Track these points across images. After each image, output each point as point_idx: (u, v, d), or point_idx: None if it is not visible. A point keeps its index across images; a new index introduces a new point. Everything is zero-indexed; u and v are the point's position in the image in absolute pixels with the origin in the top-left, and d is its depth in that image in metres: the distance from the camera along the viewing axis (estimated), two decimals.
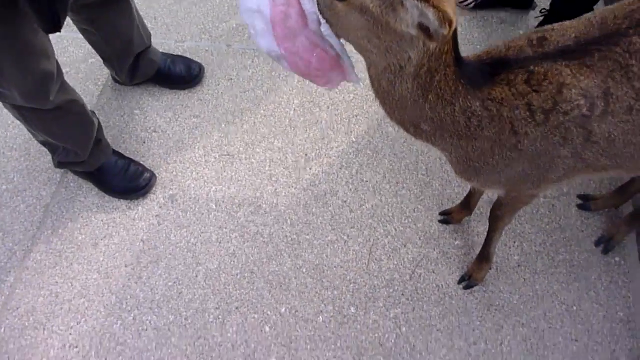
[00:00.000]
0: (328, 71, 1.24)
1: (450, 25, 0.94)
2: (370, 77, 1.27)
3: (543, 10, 2.73)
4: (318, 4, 1.12)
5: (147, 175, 2.40)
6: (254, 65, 2.76)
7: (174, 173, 2.47)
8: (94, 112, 2.32)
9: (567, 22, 1.33)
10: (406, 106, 1.25)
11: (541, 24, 2.66)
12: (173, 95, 2.69)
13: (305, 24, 1.15)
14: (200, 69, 2.69)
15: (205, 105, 2.66)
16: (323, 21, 1.13)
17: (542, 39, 1.29)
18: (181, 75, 2.65)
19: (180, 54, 2.81)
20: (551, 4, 2.65)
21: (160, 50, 2.68)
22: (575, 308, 2.07)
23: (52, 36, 1.83)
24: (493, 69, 1.25)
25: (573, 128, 1.26)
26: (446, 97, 1.21)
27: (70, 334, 2.14)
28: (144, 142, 2.57)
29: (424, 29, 0.99)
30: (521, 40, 1.31)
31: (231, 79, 2.73)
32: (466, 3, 2.85)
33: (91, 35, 2.37)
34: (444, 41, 1.06)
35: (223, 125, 2.59)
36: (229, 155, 2.50)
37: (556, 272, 2.13)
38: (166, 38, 2.92)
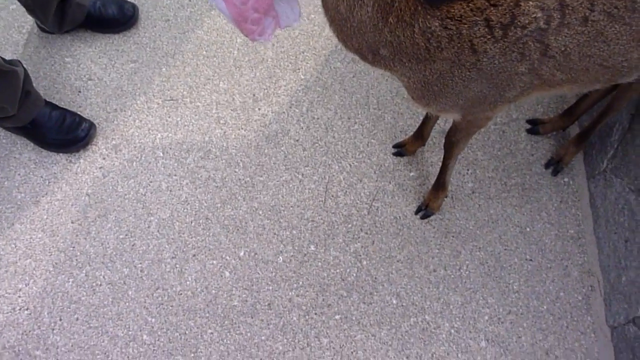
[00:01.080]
0: (264, 13, 1.16)
1: None
2: (325, 4, 1.21)
3: None
4: None
5: (85, 125, 2.26)
6: (192, 3, 2.61)
7: (115, 122, 2.34)
8: (19, 61, 2.14)
9: None
10: (365, 31, 1.21)
11: None
12: (107, 40, 2.52)
13: None
14: (134, 8, 2.52)
15: (142, 48, 2.51)
16: None
17: None
18: (114, 18, 2.48)
19: None
20: None
21: None
22: (528, 229, 2.12)
23: None
24: None
25: (530, 42, 1.24)
26: (405, 18, 1.17)
27: (19, 296, 2.04)
28: (79, 92, 2.41)
29: None
30: None
31: (168, 20, 2.57)
32: None
33: None
34: None
35: (163, 69, 2.46)
36: (172, 99, 2.38)
37: (509, 196, 2.17)
38: None
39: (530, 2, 1.18)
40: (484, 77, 1.30)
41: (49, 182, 2.23)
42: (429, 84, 1.35)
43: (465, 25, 1.20)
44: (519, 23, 1.20)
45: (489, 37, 1.22)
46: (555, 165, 2.20)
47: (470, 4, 1.19)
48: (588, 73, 1.35)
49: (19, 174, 2.25)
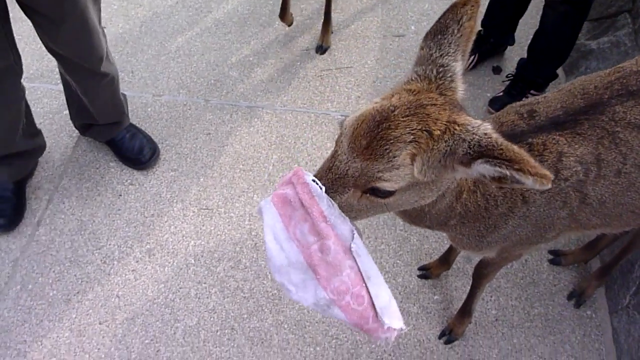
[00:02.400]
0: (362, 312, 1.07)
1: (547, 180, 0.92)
2: (398, 214, 1.32)
3: (509, 75, 2.90)
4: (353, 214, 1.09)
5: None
6: (232, 120, 2.80)
7: (151, 227, 2.44)
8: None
9: (549, 94, 1.44)
10: (440, 214, 1.31)
11: (507, 87, 2.82)
12: None
13: (347, 251, 1.05)
14: (153, 154, 2.62)
15: (183, 159, 2.66)
16: (356, 237, 1.06)
17: (531, 112, 1.38)
18: (131, 155, 2.61)
19: (157, 107, 2.83)
20: (517, 69, 2.82)
21: (139, 105, 2.69)
22: None
23: (26, 83, 1.82)
24: None
25: (571, 192, 1.35)
26: (471, 187, 1.29)
27: None
28: (120, 195, 2.53)
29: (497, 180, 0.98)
30: (510, 115, 1.40)
31: (209, 134, 2.75)
32: (468, 63, 2.99)
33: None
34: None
35: (201, 179, 2.59)
36: (207, 209, 2.49)
37: (532, 326, 2.19)
38: (143, 92, 2.93)
39: (571, 158, 1.30)
40: (530, 222, 1.39)
41: (81, 282, 2.29)
42: (483, 237, 1.44)
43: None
44: (561, 176, 1.31)
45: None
46: (578, 297, 2.23)
47: None
48: (620, 219, 1.44)
49: (53, 271, 2.31)
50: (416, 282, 2.29)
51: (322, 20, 3.08)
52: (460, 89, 1.07)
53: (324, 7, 3.02)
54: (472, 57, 2.96)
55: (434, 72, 1.05)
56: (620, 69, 1.40)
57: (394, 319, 1.08)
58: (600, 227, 1.50)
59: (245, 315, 2.20)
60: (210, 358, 2.10)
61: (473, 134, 0.96)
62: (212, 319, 2.20)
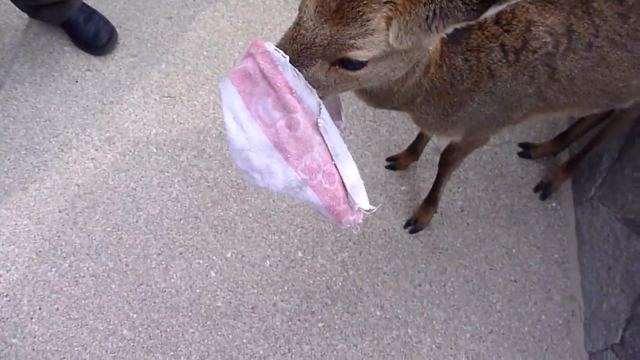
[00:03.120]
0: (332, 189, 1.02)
1: None
2: (362, 90, 1.22)
3: None
4: (320, 87, 0.99)
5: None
6: (196, 3, 2.62)
7: (110, 114, 2.33)
8: None
9: None
10: (407, 91, 1.23)
11: None
12: None
13: (314, 126, 0.97)
14: (111, 37, 2.45)
15: (143, 44, 2.51)
16: (323, 112, 0.97)
17: None
18: (88, 38, 2.42)
19: None
20: None
21: None
22: (514, 250, 2.14)
23: None
24: None
25: (539, 66, 1.27)
26: (438, 61, 1.20)
27: (0, 282, 2.01)
28: (77, 81, 2.39)
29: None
30: None
31: (171, 17, 2.58)
32: None
33: None
34: None
35: (163, 66, 2.45)
36: (170, 96, 2.38)
37: (497, 217, 2.20)
38: None
39: (541, 27, 1.21)
40: (496, 100, 1.32)
41: (38, 170, 2.21)
42: (448, 116, 1.37)
43: (483, 53, 1.23)
44: (530, 47, 1.23)
45: (504, 61, 1.24)
46: (544, 189, 2.23)
47: (485, 32, 1.22)
48: (589, 97, 1.38)
49: (8, 159, 2.22)
50: (384, 173, 2.25)
51: None
52: None
53: None
54: None
55: None
56: None
57: (362, 199, 1.03)
58: (568, 107, 1.44)
59: (210, 204, 2.16)
60: (173, 245, 2.08)
61: None
62: (175, 207, 2.16)
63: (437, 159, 2.22)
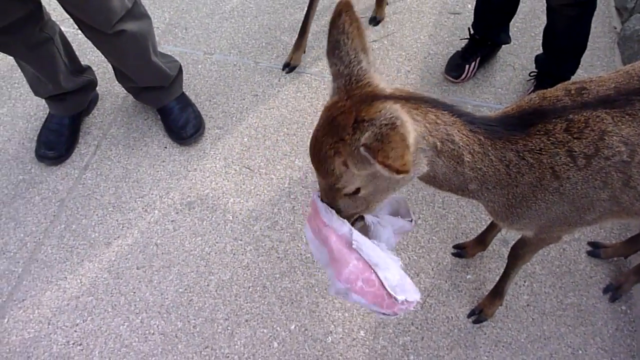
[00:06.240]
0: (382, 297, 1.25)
1: (399, 172, 1.00)
2: (419, 178, 1.34)
3: (532, 73, 2.79)
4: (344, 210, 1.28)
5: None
6: (280, 84, 2.81)
7: (193, 181, 2.49)
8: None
9: (605, 74, 1.39)
10: (450, 178, 1.30)
11: (536, 86, 2.70)
12: (198, 105, 2.71)
13: (351, 248, 1.24)
14: (197, 130, 2.60)
15: (228, 117, 2.69)
16: (355, 235, 1.24)
17: (580, 89, 1.33)
18: (174, 127, 2.60)
19: (208, 65, 2.86)
20: (538, 67, 2.72)
21: (189, 61, 2.70)
22: (580, 352, 2.09)
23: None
24: (525, 120, 1.29)
25: (613, 172, 1.30)
26: (477, 149, 1.25)
27: (75, 331, 2.12)
28: (166, 147, 2.58)
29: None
30: (557, 91, 1.35)
31: (256, 95, 2.77)
32: (462, 78, 2.86)
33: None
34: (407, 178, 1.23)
35: (245, 139, 2.62)
36: (249, 168, 2.52)
37: (564, 315, 2.17)
38: (195, 49, 2.96)
39: (615, 137, 1.25)
40: (566, 200, 1.36)
41: (122, 227, 2.36)
42: (513, 207, 1.40)
43: (546, 155, 1.27)
44: (602, 154, 1.26)
45: (572, 165, 1.28)
46: (614, 291, 2.19)
47: (551, 137, 1.26)
48: None
49: (96, 215, 2.39)
50: (450, 260, 2.28)
51: None
52: (374, 78, 1.16)
53: None
54: (473, 64, 2.85)
55: (344, 82, 1.15)
56: None
57: (409, 292, 1.25)
58: None
59: (278, 275, 2.24)
60: (240, 312, 2.15)
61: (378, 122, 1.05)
62: (245, 275, 2.24)
63: (505, 250, 2.25)
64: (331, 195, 1.24)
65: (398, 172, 1.00)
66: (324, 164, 1.14)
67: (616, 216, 1.47)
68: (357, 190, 1.19)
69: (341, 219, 1.26)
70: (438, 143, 1.19)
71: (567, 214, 1.40)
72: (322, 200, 1.28)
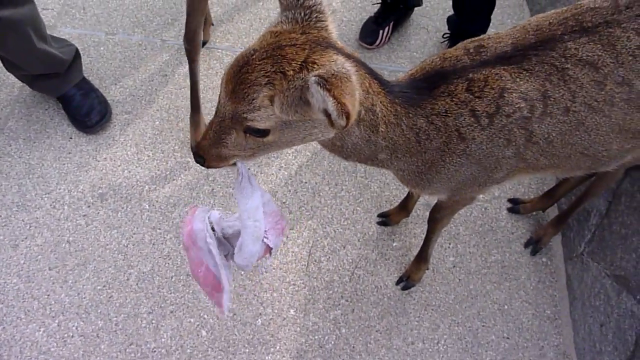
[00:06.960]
0: (210, 290, 1.35)
1: (348, 118, 0.99)
2: (321, 143, 1.30)
3: (445, 34, 2.80)
4: (239, 153, 1.18)
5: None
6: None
7: (104, 171, 2.35)
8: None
9: (503, 31, 1.38)
10: (361, 147, 1.27)
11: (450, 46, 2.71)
12: (103, 90, 2.55)
13: (194, 241, 1.27)
14: (102, 117, 2.44)
15: (137, 101, 2.55)
16: (209, 232, 1.25)
17: (479, 47, 1.32)
18: (77, 115, 2.43)
19: (110, 47, 2.69)
20: (450, 27, 2.73)
21: (90, 43, 2.52)
22: (506, 307, 2.14)
23: None
24: (430, 83, 1.28)
25: (515, 129, 1.30)
26: (392, 120, 1.24)
27: None
28: (71, 138, 2.42)
29: (327, 115, 1.03)
30: (457, 50, 1.34)
31: (166, 75, 2.63)
32: (377, 44, 2.81)
33: None
34: (342, 130, 1.13)
35: (157, 123, 2.49)
36: (163, 153, 2.40)
37: (489, 272, 2.21)
38: (95, 29, 2.78)
39: (514, 94, 1.25)
40: (473, 161, 1.35)
41: (29, 227, 2.21)
42: (423, 173, 1.40)
43: (451, 117, 1.27)
44: (503, 112, 1.27)
45: (476, 125, 1.28)
46: (534, 245, 2.25)
47: (454, 98, 1.26)
48: (570, 160, 1.41)
49: (0, 216, 2.22)
50: (375, 229, 2.27)
51: None
52: (331, 26, 1.12)
53: None
54: (387, 28, 2.82)
55: (301, 14, 1.09)
56: (578, 5, 1.34)
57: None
58: (550, 168, 1.46)
59: None
60: (164, 304, 2.07)
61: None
62: (166, 265, 2.15)
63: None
64: (227, 124, 1.11)
65: (348, 115, 0.98)
66: (244, 87, 1.04)
67: (524, 172, 1.48)
68: (264, 132, 1.10)
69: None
70: (362, 111, 1.17)
71: (475, 174, 1.39)
72: (209, 125, 1.17)
